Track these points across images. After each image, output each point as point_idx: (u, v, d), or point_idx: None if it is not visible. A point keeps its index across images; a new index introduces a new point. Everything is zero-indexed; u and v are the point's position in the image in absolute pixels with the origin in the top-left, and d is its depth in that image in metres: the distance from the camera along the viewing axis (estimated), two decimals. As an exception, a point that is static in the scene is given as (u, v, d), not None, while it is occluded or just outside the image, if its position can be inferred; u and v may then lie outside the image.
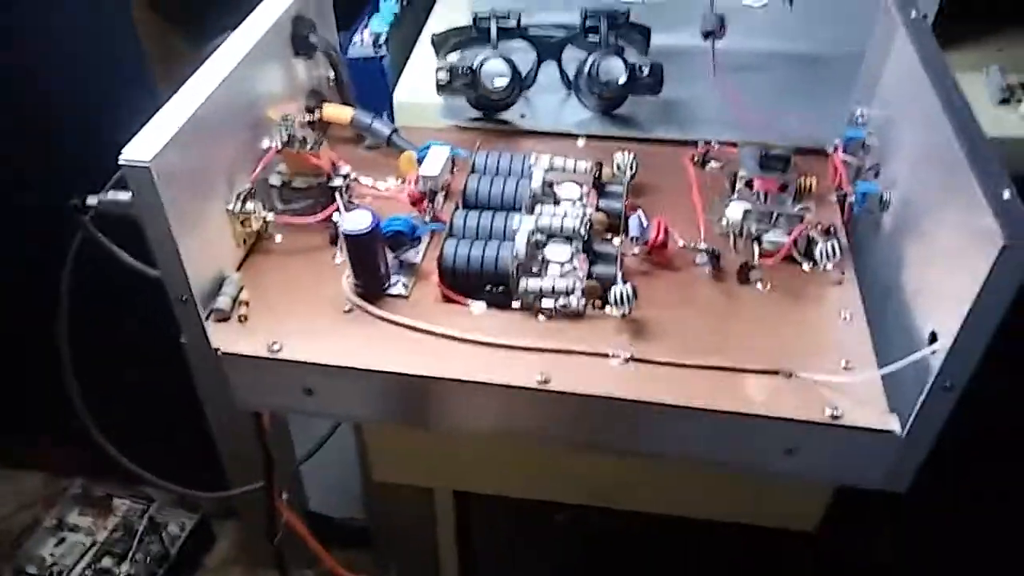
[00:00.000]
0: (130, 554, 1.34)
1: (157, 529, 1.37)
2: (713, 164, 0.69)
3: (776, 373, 0.53)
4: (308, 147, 0.61)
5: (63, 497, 1.41)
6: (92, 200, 0.60)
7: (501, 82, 0.71)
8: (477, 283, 0.57)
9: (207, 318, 0.55)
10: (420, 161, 0.64)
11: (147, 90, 0.99)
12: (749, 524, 0.79)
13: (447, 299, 0.58)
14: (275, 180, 0.62)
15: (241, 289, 0.57)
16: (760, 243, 0.59)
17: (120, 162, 0.46)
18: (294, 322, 0.56)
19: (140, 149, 0.47)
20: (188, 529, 1.39)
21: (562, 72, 0.76)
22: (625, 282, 0.55)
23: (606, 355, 0.54)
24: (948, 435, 0.49)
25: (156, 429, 1.17)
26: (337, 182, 0.62)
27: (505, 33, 0.75)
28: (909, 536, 1.00)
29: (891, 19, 0.62)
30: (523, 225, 0.58)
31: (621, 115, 0.74)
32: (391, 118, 0.74)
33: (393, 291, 0.58)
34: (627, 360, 0.53)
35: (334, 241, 0.61)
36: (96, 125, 0.66)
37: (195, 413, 1.14)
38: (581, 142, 0.72)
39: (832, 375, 0.52)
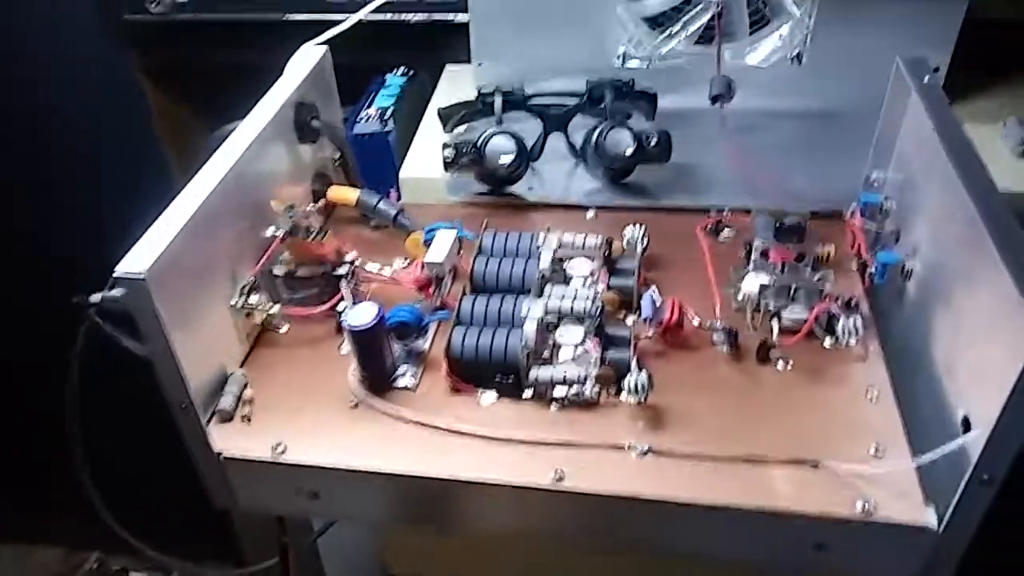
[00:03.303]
0: (148, 629, 1.32)
1: (175, 603, 1.35)
2: (727, 232, 0.68)
3: (803, 463, 0.50)
4: (312, 236, 0.60)
5: (79, 572, 1.39)
6: (95, 298, 0.59)
7: (507, 159, 0.70)
8: (487, 372, 0.55)
9: (210, 420, 0.53)
10: (427, 243, 0.63)
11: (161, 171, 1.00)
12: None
13: (456, 390, 0.56)
14: (279, 270, 0.61)
15: (245, 387, 0.56)
16: (779, 319, 0.57)
17: (115, 275, 0.45)
18: (299, 420, 0.54)
19: (135, 260, 0.46)
20: (206, 603, 1.37)
21: (569, 143, 0.75)
22: (640, 368, 0.53)
23: (622, 447, 0.51)
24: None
25: (172, 501, 1.15)
26: (342, 270, 0.60)
27: (511, 105, 0.74)
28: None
29: (903, 83, 0.60)
30: (532, 312, 0.56)
31: (631, 183, 0.73)
32: (398, 194, 0.74)
33: (400, 383, 0.56)
34: (644, 453, 0.51)
35: (340, 330, 0.60)
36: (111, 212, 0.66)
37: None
38: (591, 213, 0.71)
39: (862, 463, 0.49)
